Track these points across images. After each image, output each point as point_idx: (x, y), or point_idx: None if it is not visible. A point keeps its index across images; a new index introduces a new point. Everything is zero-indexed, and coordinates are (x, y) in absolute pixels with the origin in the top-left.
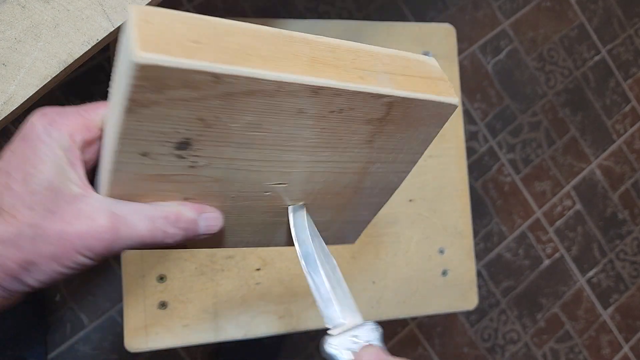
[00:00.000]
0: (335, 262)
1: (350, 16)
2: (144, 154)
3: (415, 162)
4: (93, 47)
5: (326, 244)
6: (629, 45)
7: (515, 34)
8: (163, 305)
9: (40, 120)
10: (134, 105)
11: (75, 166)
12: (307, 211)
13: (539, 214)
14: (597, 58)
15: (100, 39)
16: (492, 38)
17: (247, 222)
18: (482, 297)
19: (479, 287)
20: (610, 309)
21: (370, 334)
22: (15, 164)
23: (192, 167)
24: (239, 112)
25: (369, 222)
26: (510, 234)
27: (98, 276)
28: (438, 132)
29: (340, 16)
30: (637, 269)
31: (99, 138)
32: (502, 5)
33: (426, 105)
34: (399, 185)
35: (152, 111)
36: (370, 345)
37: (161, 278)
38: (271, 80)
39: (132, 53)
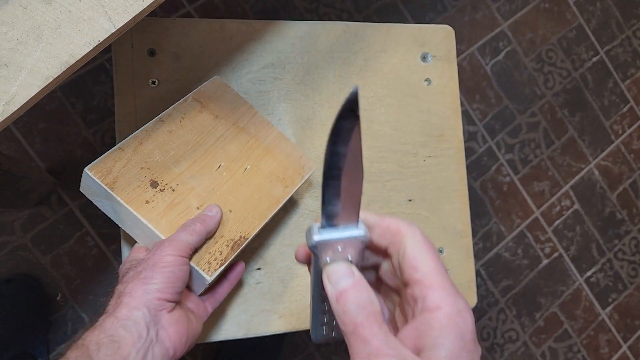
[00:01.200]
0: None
1: (350, 18)
2: (147, 202)
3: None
4: (94, 48)
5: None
6: (627, 46)
7: (514, 35)
8: None
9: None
10: (111, 186)
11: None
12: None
13: (537, 214)
14: (595, 59)
15: (101, 40)
16: (491, 39)
17: (245, 199)
18: (481, 297)
19: (478, 286)
20: (609, 309)
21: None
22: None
23: (174, 190)
24: (147, 151)
25: None
26: (509, 234)
27: (99, 274)
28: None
29: (340, 18)
30: (635, 268)
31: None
32: (500, 6)
33: (207, 86)
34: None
35: (121, 181)
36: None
37: None
38: (149, 126)
39: (85, 171)
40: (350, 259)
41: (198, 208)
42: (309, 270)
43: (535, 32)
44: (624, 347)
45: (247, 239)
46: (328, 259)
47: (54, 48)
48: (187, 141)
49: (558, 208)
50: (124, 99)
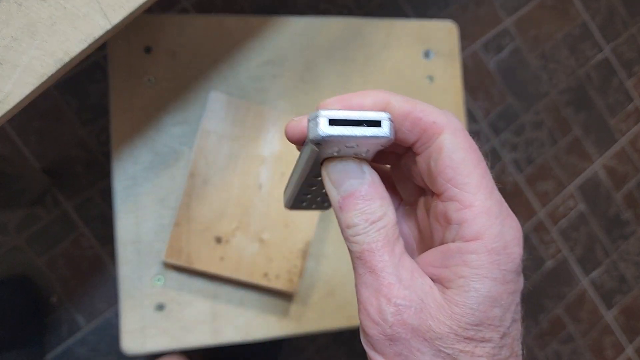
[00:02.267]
0: None
1: (351, 13)
2: (222, 258)
3: None
4: (90, 45)
5: None
6: (632, 43)
7: (518, 32)
8: (160, 307)
9: None
10: (190, 263)
11: None
12: None
13: (541, 214)
14: (600, 56)
15: (97, 37)
16: (494, 36)
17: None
18: None
19: None
20: (614, 310)
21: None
22: None
23: (235, 236)
24: (197, 212)
25: None
26: None
27: (94, 277)
28: None
29: (340, 14)
30: None
31: None
32: (504, 3)
33: (210, 110)
34: None
35: (194, 254)
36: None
37: (158, 279)
38: (187, 185)
39: (164, 260)
40: (364, 154)
41: (262, 238)
42: (299, 149)
43: (539, 28)
44: (629, 350)
45: (309, 241)
46: (335, 152)
47: (49, 45)
48: (223, 178)
49: (562, 208)
50: (119, 97)
